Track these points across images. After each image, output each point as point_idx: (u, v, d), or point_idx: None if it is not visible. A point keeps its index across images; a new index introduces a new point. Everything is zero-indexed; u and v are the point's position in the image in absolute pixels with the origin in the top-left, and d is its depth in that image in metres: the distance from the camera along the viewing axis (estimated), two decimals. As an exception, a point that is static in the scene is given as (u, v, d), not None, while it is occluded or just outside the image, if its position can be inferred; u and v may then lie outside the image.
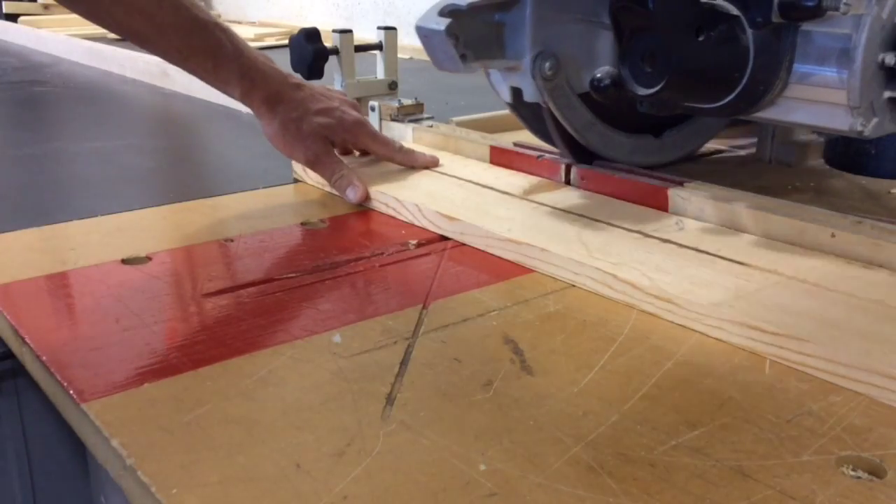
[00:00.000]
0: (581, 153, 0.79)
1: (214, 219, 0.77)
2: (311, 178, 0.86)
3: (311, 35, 0.99)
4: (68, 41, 1.93)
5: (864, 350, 0.47)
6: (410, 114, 1.01)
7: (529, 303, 0.58)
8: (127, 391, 0.47)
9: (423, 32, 0.68)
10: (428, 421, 0.44)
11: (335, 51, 1.03)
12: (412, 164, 0.87)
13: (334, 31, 1.04)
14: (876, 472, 0.40)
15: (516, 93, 0.74)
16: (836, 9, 0.56)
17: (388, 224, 0.76)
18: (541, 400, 0.46)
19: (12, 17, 2.51)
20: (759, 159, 0.91)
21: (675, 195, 0.71)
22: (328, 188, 0.83)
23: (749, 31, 0.60)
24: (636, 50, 0.62)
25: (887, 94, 0.60)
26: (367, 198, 0.80)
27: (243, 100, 0.82)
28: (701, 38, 0.60)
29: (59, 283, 0.62)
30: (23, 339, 0.53)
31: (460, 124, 1.01)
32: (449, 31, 0.66)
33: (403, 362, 0.50)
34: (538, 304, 0.58)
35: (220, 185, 0.89)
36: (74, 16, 0.83)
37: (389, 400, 0.46)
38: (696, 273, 0.58)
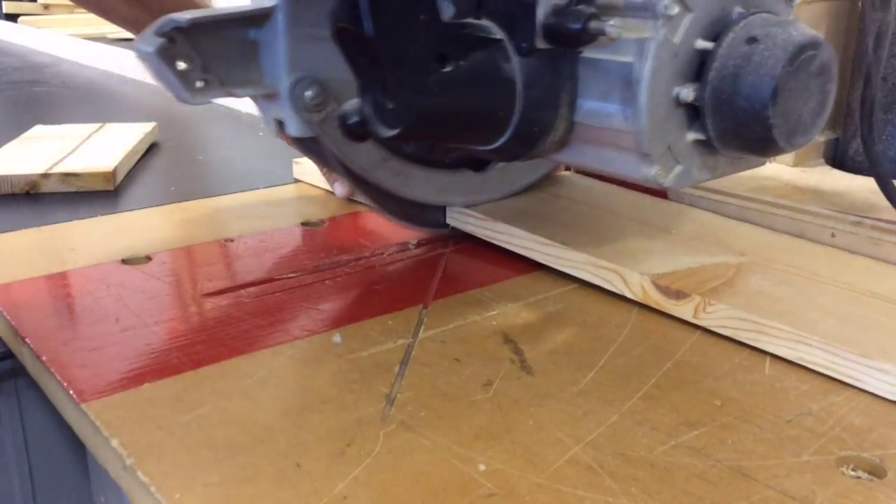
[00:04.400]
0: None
1: (214, 219, 0.77)
2: (312, 178, 0.86)
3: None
4: (68, 41, 1.93)
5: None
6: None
7: (529, 303, 0.58)
8: (127, 391, 0.47)
9: (139, 55, 0.53)
10: (428, 421, 0.44)
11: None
12: None
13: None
14: (876, 472, 0.40)
15: (281, 125, 0.60)
16: (603, 33, 0.46)
17: (388, 224, 0.75)
18: (541, 400, 0.46)
19: (12, 17, 2.50)
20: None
21: (676, 193, 0.71)
22: (328, 187, 0.83)
23: (514, 59, 0.49)
24: (375, 82, 0.48)
25: (691, 135, 0.48)
26: (353, 194, 0.80)
27: None
28: (448, 69, 0.47)
29: (59, 283, 0.62)
30: (23, 339, 0.53)
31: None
32: (164, 52, 0.52)
33: (403, 362, 0.50)
34: (538, 304, 0.58)
35: (220, 185, 0.89)
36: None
37: (389, 400, 0.46)
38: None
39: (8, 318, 0.56)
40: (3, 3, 2.63)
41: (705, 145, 0.49)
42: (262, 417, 0.44)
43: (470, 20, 0.48)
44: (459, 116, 0.50)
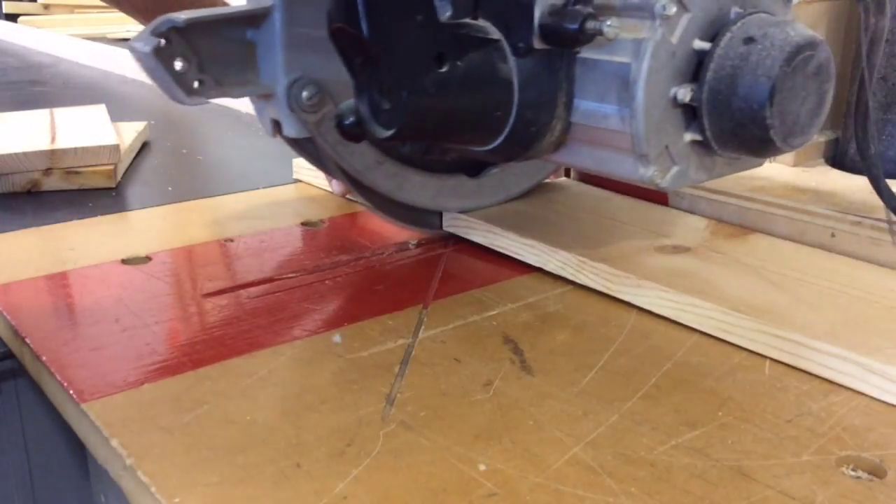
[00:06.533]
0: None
1: (214, 219, 0.77)
2: (312, 177, 0.86)
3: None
4: (68, 41, 1.93)
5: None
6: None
7: (529, 303, 0.58)
8: (127, 391, 0.47)
9: (135, 55, 0.53)
10: (428, 421, 0.44)
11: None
12: None
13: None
14: (876, 472, 0.40)
15: (277, 126, 0.60)
16: (601, 33, 0.45)
17: (387, 224, 0.75)
18: (541, 400, 0.46)
19: (12, 17, 2.50)
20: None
21: (675, 194, 0.71)
22: (328, 187, 0.83)
23: (511, 60, 0.48)
24: (371, 82, 0.47)
25: (688, 136, 0.48)
26: (350, 191, 0.80)
27: None
28: (444, 69, 0.47)
29: (59, 283, 0.62)
30: (23, 339, 0.53)
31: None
32: (160, 52, 0.51)
33: (403, 362, 0.50)
34: (538, 304, 0.58)
35: (220, 185, 0.89)
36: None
37: (389, 400, 0.46)
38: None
39: (8, 318, 0.56)
40: (3, 3, 2.63)
41: (702, 146, 0.49)
42: (262, 417, 0.44)
43: (467, 20, 0.48)
44: (456, 117, 0.49)
